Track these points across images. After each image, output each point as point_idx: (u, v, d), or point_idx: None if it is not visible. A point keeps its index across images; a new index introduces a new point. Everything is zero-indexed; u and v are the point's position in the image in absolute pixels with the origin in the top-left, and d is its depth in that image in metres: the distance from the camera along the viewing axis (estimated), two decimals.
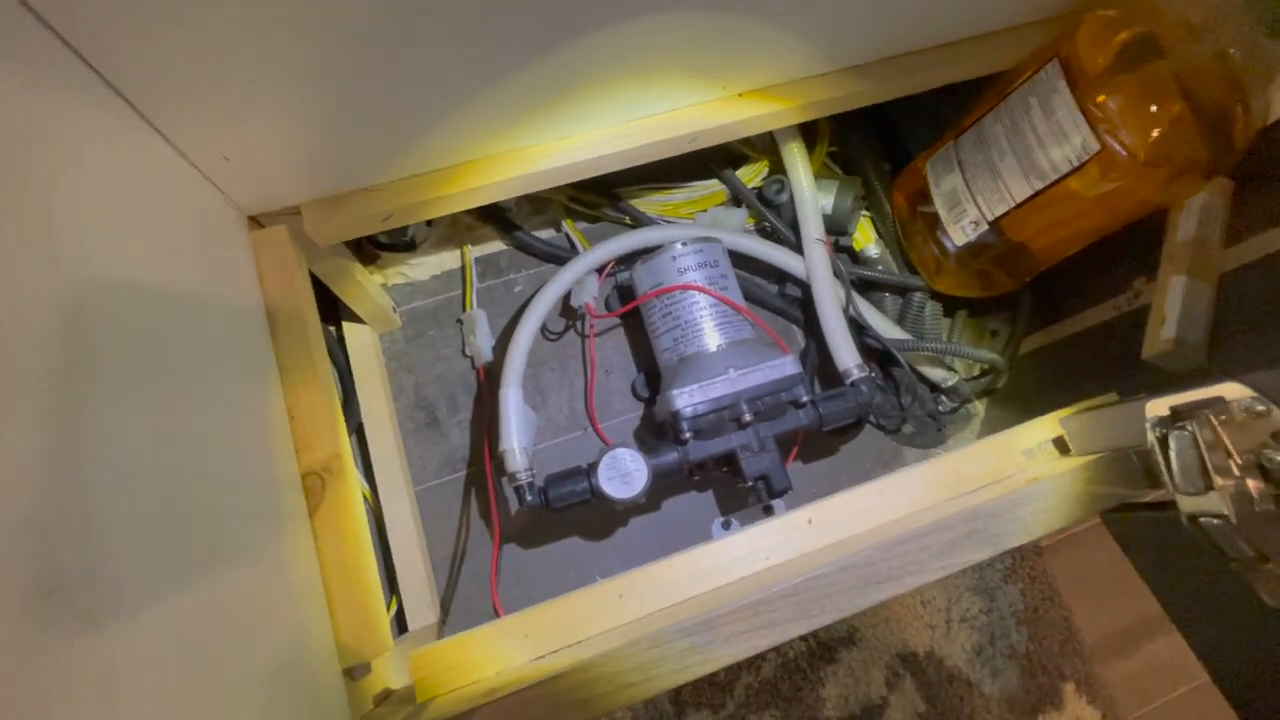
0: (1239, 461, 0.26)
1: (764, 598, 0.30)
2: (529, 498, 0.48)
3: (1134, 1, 0.44)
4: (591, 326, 0.62)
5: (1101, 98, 0.42)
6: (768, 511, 0.57)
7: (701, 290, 0.54)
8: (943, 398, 0.60)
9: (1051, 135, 0.45)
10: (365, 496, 0.55)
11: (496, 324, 0.62)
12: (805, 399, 0.51)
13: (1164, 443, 0.28)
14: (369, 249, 0.60)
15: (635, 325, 0.63)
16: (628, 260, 0.59)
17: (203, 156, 0.34)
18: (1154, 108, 0.42)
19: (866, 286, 0.63)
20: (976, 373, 0.61)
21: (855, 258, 0.64)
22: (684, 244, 0.55)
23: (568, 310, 0.62)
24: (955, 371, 0.60)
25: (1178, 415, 0.28)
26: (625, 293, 0.63)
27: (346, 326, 0.59)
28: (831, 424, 0.52)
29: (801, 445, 0.58)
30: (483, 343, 0.60)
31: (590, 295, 0.59)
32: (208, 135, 0.33)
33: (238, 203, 0.38)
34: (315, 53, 0.30)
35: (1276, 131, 0.41)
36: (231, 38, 0.28)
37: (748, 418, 0.49)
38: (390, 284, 0.64)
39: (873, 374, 0.61)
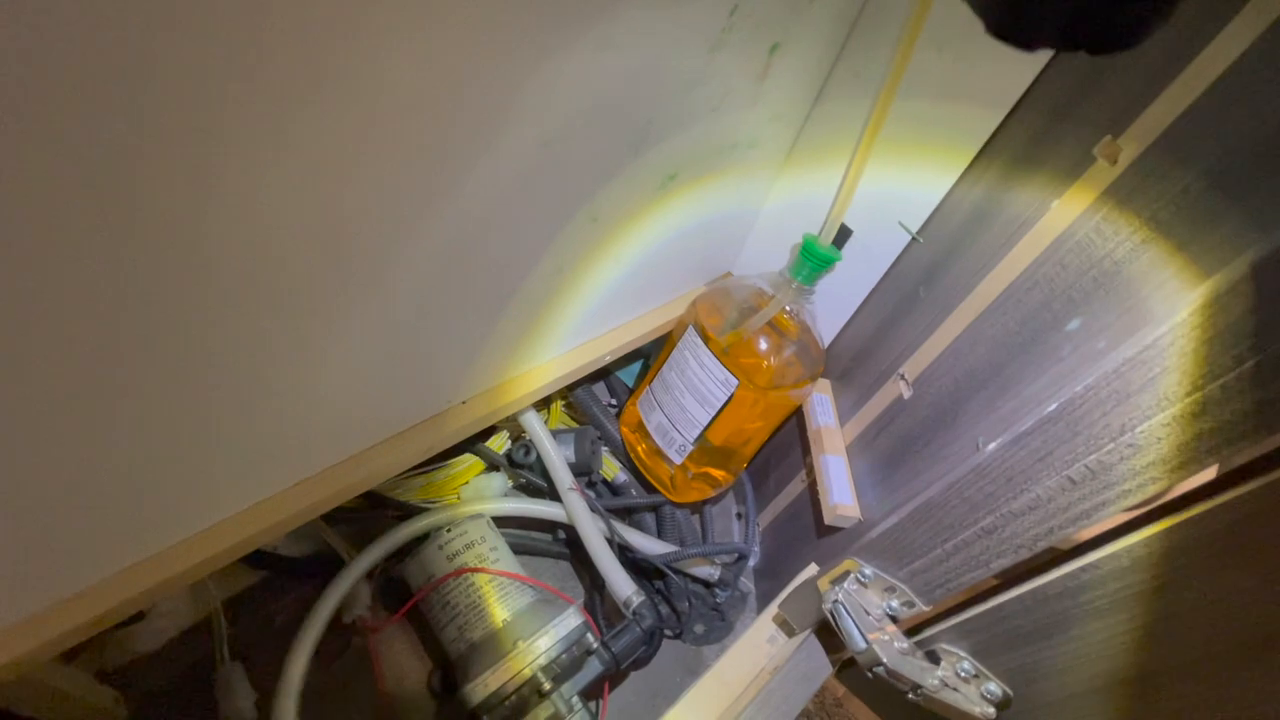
0: (876, 615, 0.36)
1: None
2: None
3: (718, 292, 0.64)
4: (372, 639, 0.59)
5: (726, 348, 0.59)
6: None
7: (474, 571, 0.56)
8: (716, 590, 0.68)
9: (706, 377, 0.60)
10: None
11: (261, 673, 0.56)
12: (595, 644, 0.54)
13: (833, 613, 0.37)
14: None
15: (420, 617, 0.62)
16: (397, 553, 0.59)
17: None
18: (762, 348, 0.59)
19: (626, 512, 0.71)
20: (735, 559, 0.71)
21: (611, 487, 0.73)
22: (448, 530, 0.58)
23: (342, 626, 0.59)
24: (718, 564, 0.69)
25: (833, 588, 0.38)
26: (399, 585, 0.62)
27: None
28: (626, 659, 0.55)
29: (611, 683, 0.60)
30: (243, 702, 0.53)
31: (364, 606, 0.57)
32: None
33: None
34: None
35: (833, 348, 0.61)
36: None
37: (547, 686, 0.51)
38: (111, 669, 0.54)
39: (655, 586, 0.68)
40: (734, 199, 0.61)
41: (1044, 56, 0.41)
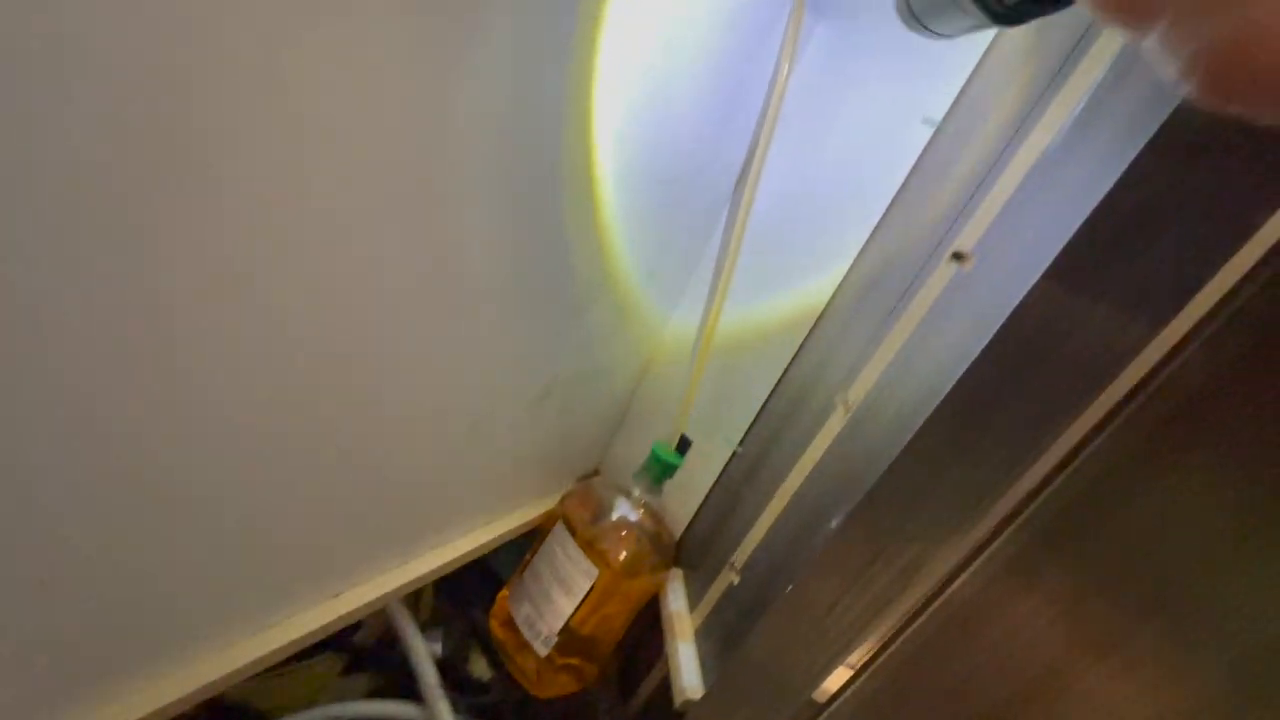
0: None
1: None
2: None
3: (590, 485, 0.74)
4: None
5: (589, 541, 0.67)
6: None
7: None
8: None
9: (572, 567, 0.66)
10: None
11: None
12: None
13: None
14: None
15: None
16: None
17: None
18: (621, 537, 0.68)
19: (493, 711, 0.71)
20: None
21: (477, 685, 0.73)
22: None
23: None
24: None
25: None
26: None
27: None
28: None
29: None
30: None
31: None
32: None
33: None
34: None
35: (684, 539, 0.71)
36: None
37: None
38: None
39: None
40: (598, 411, 0.74)
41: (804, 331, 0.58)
